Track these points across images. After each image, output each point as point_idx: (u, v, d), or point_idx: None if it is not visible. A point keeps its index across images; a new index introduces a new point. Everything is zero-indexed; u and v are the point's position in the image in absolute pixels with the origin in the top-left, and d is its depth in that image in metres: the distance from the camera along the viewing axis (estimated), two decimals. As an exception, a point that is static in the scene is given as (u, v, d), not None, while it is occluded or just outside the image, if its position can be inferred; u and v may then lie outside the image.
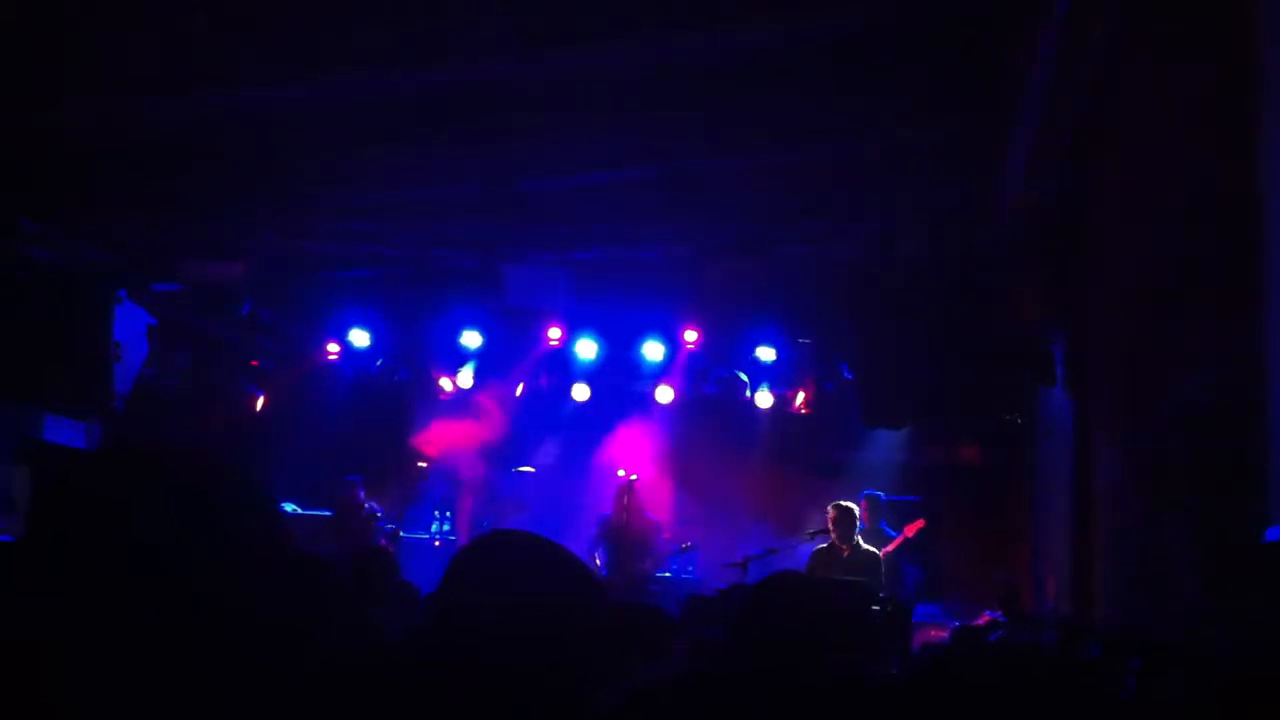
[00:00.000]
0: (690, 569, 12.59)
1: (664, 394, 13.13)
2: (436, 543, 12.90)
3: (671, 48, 7.88)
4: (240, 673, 1.44)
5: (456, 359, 13.16)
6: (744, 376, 13.22)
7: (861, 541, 10.39)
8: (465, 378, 13.14)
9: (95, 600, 1.37)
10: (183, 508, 1.44)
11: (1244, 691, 3.18)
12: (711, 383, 13.46)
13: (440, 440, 13.83)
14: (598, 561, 11.39)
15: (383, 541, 11.72)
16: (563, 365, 13.24)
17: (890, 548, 11.34)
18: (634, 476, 11.94)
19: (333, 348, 13.16)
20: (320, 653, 2.60)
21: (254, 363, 13.19)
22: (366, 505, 11.96)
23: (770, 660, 3.05)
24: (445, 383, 13.49)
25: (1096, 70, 6.97)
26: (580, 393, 13.15)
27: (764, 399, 12.94)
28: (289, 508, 12.49)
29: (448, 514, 13.55)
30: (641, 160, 9.73)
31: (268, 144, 9.07)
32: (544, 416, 13.81)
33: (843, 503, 10.49)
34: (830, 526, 10.27)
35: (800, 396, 13.04)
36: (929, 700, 2.33)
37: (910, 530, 11.65)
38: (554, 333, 12.79)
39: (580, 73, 8.19)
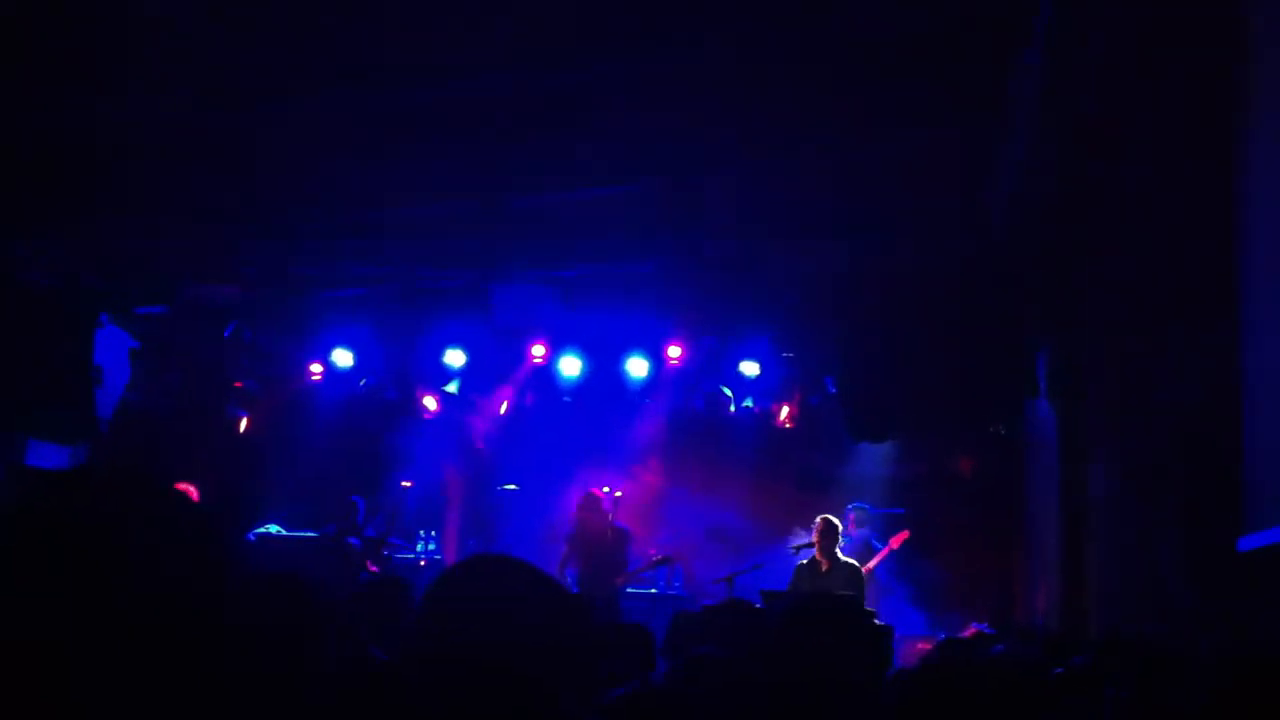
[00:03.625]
0: (676, 584, 12.56)
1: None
2: (422, 562, 12.86)
3: (657, 62, 7.89)
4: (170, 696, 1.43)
5: (442, 378, 13.15)
6: (729, 391, 13.22)
7: (841, 555, 10.39)
8: (451, 391, 13.20)
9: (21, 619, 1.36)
10: (109, 528, 1.43)
11: (1233, 698, 3.17)
12: (697, 397, 13.46)
13: (425, 458, 13.82)
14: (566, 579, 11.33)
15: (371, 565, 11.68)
16: (548, 382, 13.23)
17: (876, 560, 11.35)
18: (619, 494, 11.91)
19: (316, 368, 13.14)
20: (290, 677, 2.58)
21: (238, 384, 13.14)
22: (368, 527, 11.98)
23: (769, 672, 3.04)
24: (429, 401, 13.47)
25: (1086, 82, 7.00)
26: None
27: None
28: (273, 529, 12.44)
29: (433, 533, 13.51)
30: (628, 176, 9.73)
31: (257, 164, 9.05)
32: (530, 434, 13.78)
33: (825, 517, 10.50)
34: (815, 540, 10.28)
35: (785, 411, 13.04)
36: (922, 714, 2.33)
37: (895, 542, 11.66)
38: (538, 350, 12.78)
39: (567, 89, 8.19)
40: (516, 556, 2.28)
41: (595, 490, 11.74)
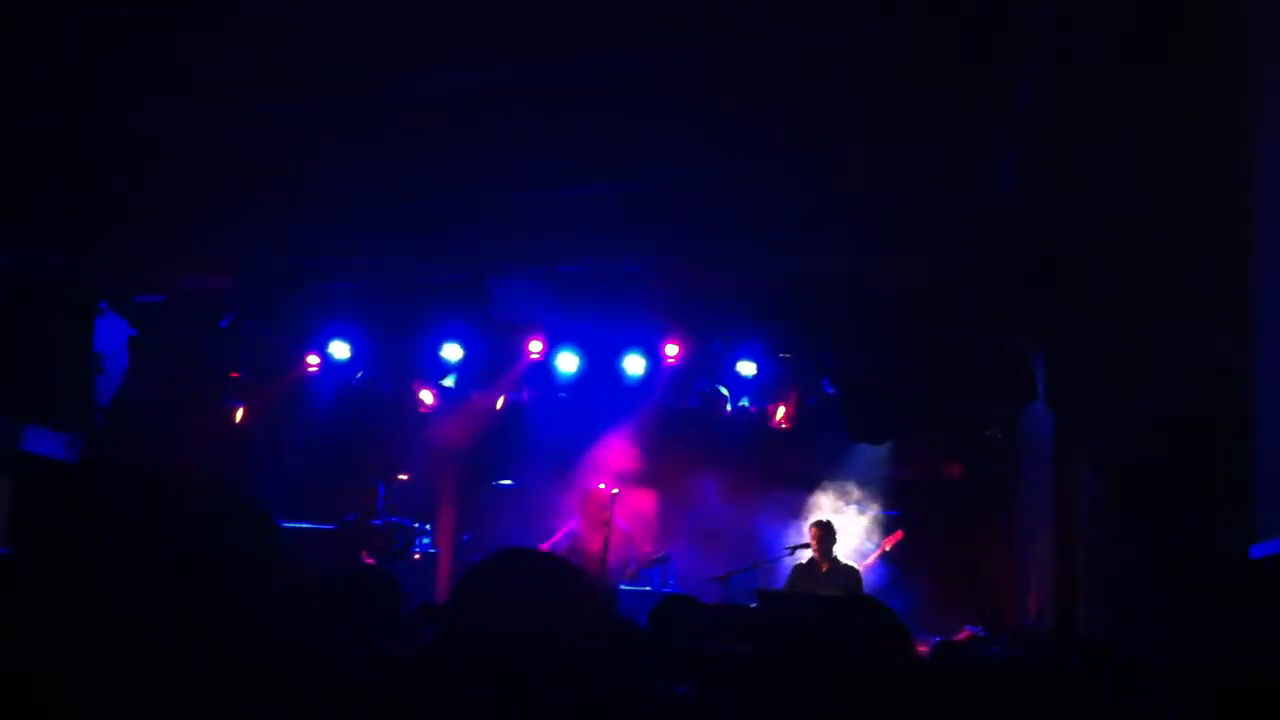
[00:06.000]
0: (671, 581, 12.58)
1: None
2: (416, 555, 12.86)
3: (655, 57, 7.90)
4: (242, 691, 1.44)
5: (438, 372, 13.15)
6: (725, 391, 13.25)
7: (840, 557, 10.45)
8: (448, 385, 13.21)
9: (90, 617, 1.36)
10: (176, 524, 1.44)
11: (1224, 706, 3.20)
12: (693, 396, 13.48)
13: (421, 452, 13.82)
14: None
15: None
16: (545, 378, 13.23)
17: (869, 561, 11.40)
18: (615, 491, 11.93)
19: (313, 360, 13.13)
20: (330, 668, 2.60)
21: (235, 374, 13.14)
22: (388, 515, 12.06)
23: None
24: (426, 395, 13.47)
25: (1078, 84, 7.03)
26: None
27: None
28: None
29: (427, 526, 13.52)
30: (627, 173, 9.74)
31: (253, 156, 9.04)
32: (526, 430, 13.79)
33: (822, 519, 10.58)
34: (813, 542, 10.36)
35: (781, 411, 13.07)
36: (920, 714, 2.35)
37: (888, 543, 11.70)
38: (535, 346, 12.78)
39: (564, 84, 8.20)
40: (544, 551, 2.31)
41: (600, 489, 11.78)
